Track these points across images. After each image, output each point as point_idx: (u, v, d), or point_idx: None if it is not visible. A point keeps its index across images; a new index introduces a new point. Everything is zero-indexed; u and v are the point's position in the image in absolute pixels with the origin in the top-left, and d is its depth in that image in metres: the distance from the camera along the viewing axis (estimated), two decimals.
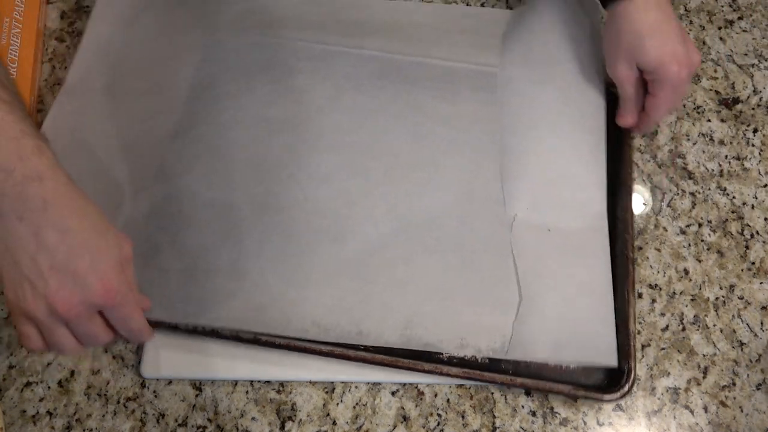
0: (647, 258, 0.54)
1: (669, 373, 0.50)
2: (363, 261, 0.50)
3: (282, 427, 0.49)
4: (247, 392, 0.50)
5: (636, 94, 0.53)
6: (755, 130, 0.60)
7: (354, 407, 0.49)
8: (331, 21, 0.60)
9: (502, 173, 0.53)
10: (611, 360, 0.47)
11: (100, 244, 0.38)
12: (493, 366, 0.48)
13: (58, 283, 0.37)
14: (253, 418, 0.49)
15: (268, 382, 0.50)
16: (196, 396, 0.50)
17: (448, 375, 0.47)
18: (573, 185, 0.53)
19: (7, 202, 0.36)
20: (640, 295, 0.53)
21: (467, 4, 0.64)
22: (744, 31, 0.64)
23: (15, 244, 0.37)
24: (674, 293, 0.53)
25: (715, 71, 0.62)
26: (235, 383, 0.50)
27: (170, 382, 0.50)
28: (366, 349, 0.48)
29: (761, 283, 0.54)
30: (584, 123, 0.55)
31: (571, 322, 0.48)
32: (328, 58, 0.58)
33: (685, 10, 0.66)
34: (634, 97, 0.53)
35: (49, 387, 0.50)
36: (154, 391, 0.50)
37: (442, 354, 0.48)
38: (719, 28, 0.65)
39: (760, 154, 0.59)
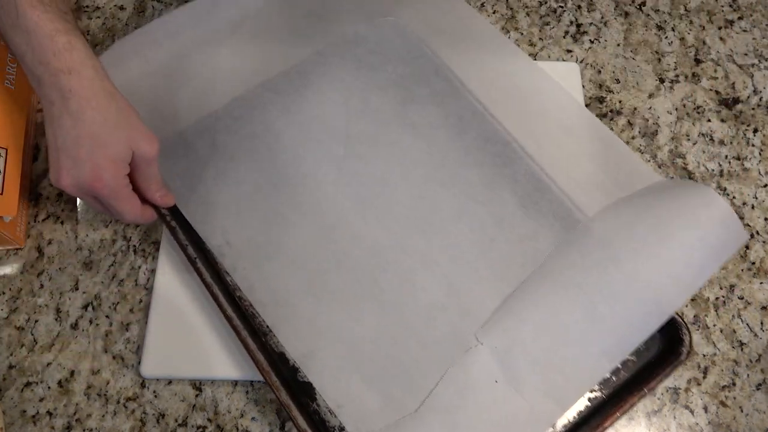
0: None
1: (669, 374, 0.50)
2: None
3: (282, 427, 0.49)
4: (247, 392, 0.50)
5: None
6: (755, 130, 0.60)
7: None
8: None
9: (504, 308, 0.48)
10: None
11: (105, 137, 0.43)
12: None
13: (60, 162, 0.43)
14: (253, 419, 0.49)
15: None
16: (196, 396, 0.50)
17: None
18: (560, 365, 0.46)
19: (45, 89, 0.43)
20: None
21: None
22: (744, 31, 0.64)
23: (47, 122, 0.44)
24: None
25: (715, 71, 0.62)
26: (235, 383, 0.50)
27: (170, 382, 0.50)
28: None
29: (761, 283, 0.53)
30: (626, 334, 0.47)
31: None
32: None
33: (685, 9, 0.66)
34: None
35: (49, 387, 0.50)
36: (154, 391, 0.50)
37: None
38: (719, 28, 0.65)
39: (760, 154, 0.59)
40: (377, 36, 0.60)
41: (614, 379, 0.48)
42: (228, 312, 0.48)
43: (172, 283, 0.52)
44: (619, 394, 0.47)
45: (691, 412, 0.49)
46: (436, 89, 0.57)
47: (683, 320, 0.48)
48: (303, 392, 0.47)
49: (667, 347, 0.48)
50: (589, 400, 0.47)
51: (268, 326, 0.49)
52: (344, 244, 0.51)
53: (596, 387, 0.47)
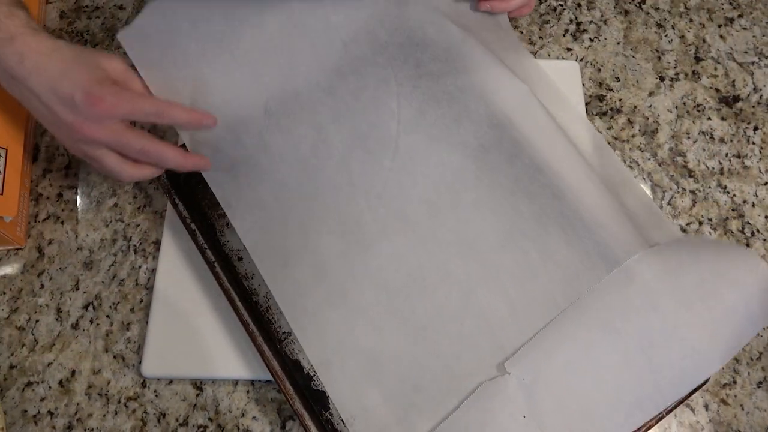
0: None
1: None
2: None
3: (283, 426, 0.49)
4: (248, 392, 0.50)
5: None
6: (755, 128, 0.60)
7: None
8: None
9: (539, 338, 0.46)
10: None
11: (74, 66, 0.41)
12: None
13: (62, 115, 0.41)
14: (254, 418, 0.49)
15: (268, 381, 0.50)
16: (197, 396, 0.50)
17: None
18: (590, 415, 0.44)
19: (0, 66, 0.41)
20: None
21: None
22: (744, 28, 0.64)
23: (23, 101, 0.42)
24: None
25: (716, 69, 0.62)
26: (236, 383, 0.50)
27: (171, 382, 0.50)
28: None
29: None
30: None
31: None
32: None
33: (685, 7, 0.66)
34: None
35: (50, 387, 0.50)
36: (155, 391, 0.50)
37: None
38: (719, 26, 0.65)
39: (760, 152, 0.59)
40: (446, 41, 0.56)
41: None
42: (244, 317, 0.47)
43: (172, 283, 0.52)
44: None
45: (692, 410, 0.49)
46: (493, 109, 0.53)
47: None
48: (317, 401, 0.46)
49: None
50: None
51: (284, 333, 0.49)
52: (382, 260, 0.49)
53: None
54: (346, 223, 0.50)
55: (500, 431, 0.43)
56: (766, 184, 0.57)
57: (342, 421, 0.45)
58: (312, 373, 0.47)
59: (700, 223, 0.56)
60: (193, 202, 0.53)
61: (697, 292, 0.45)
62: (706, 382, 0.46)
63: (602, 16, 0.66)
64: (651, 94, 0.62)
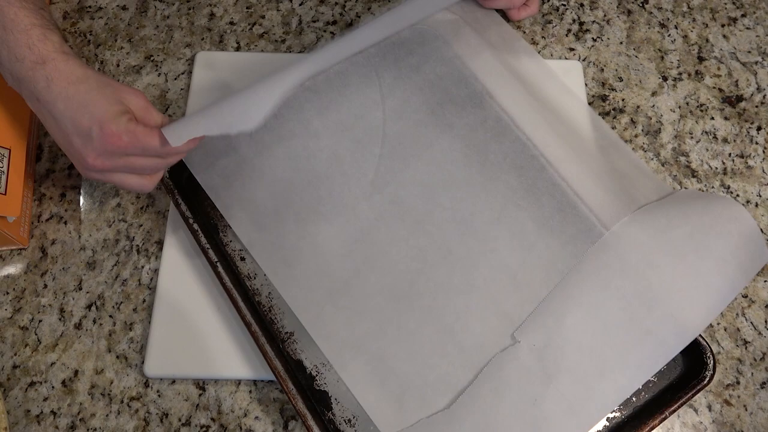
0: None
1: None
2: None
3: (285, 426, 0.49)
4: (250, 392, 0.50)
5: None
6: (759, 128, 0.60)
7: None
8: None
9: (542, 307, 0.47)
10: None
11: (97, 99, 0.42)
12: None
13: (76, 144, 0.42)
14: (256, 418, 0.49)
15: (271, 381, 0.50)
16: (200, 395, 0.50)
17: None
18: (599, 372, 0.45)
19: (25, 86, 0.43)
20: None
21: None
22: (747, 28, 0.64)
23: (45, 122, 0.44)
24: None
25: (719, 69, 0.62)
26: (239, 383, 0.50)
27: (173, 382, 0.50)
28: None
29: (765, 281, 0.53)
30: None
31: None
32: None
33: (688, 7, 0.65)
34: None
35: (53, 387, 0.50)
36: (158, 391, 0.50)
37: None
38: (722, 26, 0.64)
39: (763, 152, 0.58)
40: (419, 38, 0.58)
41: (634, 399, 0.47)
42: (247, 317, 0.48)
43: (175, 283, 0.52)
44: (639, 416, 0.46)
45: (695, 410, 0.49)
46: (474, 90, 0.56)
47: (707, 343, 0.47)
48: (319, 401, 0.47)
49: (689, 370, 0.48)
50: (608, 419, 0.47)
51: (287, 332, 0.49)
52: (382, 245, 0.50)
53: (617, 407, 0.47)
54: (343, 213, 0.51)
55: (518, 398, 0.44)
56: None
57: (345, 420, 0.46)
58: (314, 373, 0.47)
59: None
60: (195, 202, 0.53)
61: (689, 245, 0.47)
62: (710, 381, 0.46)
63: (605, 15, 0.66)
64: (654, 93, 0.61)
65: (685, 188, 0.57)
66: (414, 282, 0.49)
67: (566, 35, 0.64)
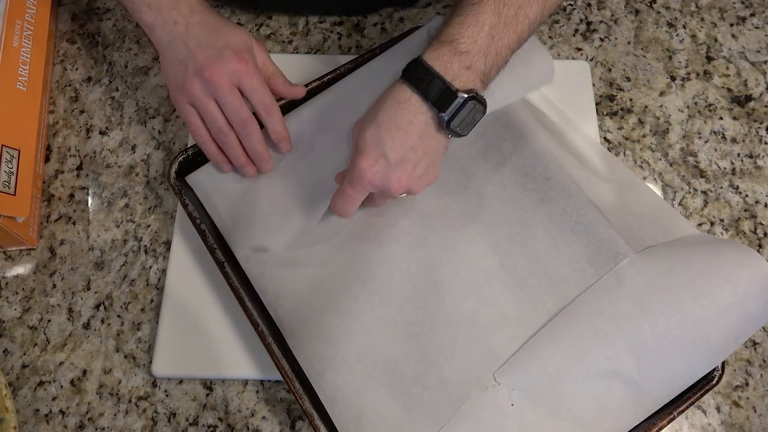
0: None
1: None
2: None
3: (292, 426, 0.49)
4: (257, 392, 0.50)
5: None
6: None
7: None
8: None
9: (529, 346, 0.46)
10: None
11: (230, 30, 0.49)
12: None
13: (204, 57, 0.47)
14: (263, 418, 0.49)
15: (278, 381, 0.50)
16: (207, 395, 0.50)
17: None
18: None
19: (163, 13, 0.48)
20: None
21: None
22: (756, 27, 0.64)
23: (173, 42, 0.48)
24: None
25: (727, 68, 0.62)
26: (246, 383, 0.50)
27: (181, 382, 0.50)
28: None
29: None
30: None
31: None
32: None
33: (697, 7, 0.65)
34: None
35: (61, 386, 0.50)
36: (166, 391, 0.50)
37: None
38: (731, 25, 0.64)
39: None
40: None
41: None
42: (254, 317, 0.48)
43: (182, 283, 0.52)
44: (648, 416, 0.45)
45: (704, 412, 0.49)
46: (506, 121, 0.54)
47: None
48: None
49: None
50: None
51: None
52: (373, 267, 0.49)
53: None
54: (340, 234, 0.50)
55: None
56: None
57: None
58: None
59: (712, 224, 0.55)
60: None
61: (689, 292, 0.45)
62: (718, 381, 0.46)
63: (612, 15, 0.65)
64: (662, 93, 0.61)
65: (693, 189, 0.57)
66: (402, 308, 0.48)
67: (573, 35, 0.64)
